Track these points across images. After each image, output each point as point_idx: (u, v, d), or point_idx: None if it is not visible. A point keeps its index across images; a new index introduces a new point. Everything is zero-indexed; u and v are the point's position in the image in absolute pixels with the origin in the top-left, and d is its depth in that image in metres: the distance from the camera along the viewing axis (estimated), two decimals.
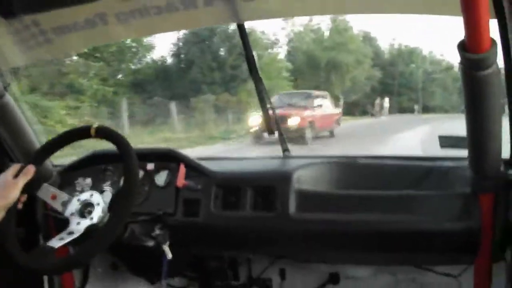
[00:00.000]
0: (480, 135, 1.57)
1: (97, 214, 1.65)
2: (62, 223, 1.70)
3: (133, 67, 24.49)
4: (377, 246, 1.90)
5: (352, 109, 36.59)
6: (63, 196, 1.71)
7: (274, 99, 13.88)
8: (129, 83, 23.05)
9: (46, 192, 1.73)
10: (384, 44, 47.55)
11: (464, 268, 1.99)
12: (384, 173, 2.04)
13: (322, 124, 15.91)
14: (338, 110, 19.02)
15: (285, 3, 1.82)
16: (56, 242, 1.60)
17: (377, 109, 33.76)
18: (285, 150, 2.40)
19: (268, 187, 1.96)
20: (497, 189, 1.71)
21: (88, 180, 2.08)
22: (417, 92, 40.06)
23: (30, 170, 1.69)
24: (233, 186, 2.01)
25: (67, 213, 1.68)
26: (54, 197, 1.71)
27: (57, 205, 1.70)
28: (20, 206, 1.69)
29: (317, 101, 16.80)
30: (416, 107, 38.50)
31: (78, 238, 1.63)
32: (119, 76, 22.88)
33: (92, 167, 2.18)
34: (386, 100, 34.31)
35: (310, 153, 2.46)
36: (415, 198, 1.84)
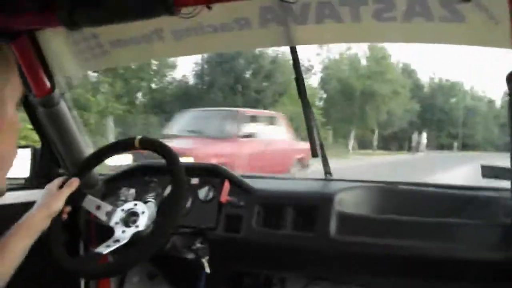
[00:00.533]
0: None
1: (142, 222, 1.69)
2: (104, 230, 1.75)
3: (153, 86, 24.26)
4: (415, 272, 1.89)
5: (388, 143, 36.56)
6: (107, 207, 1.75)
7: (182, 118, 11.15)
8: (148, 102, 22.83)
9: (90, 203, 1.77)
10: (424, 77, 47.61)
11: None
12: (424, 200, 2.04)
13: (256, 168, 8.87)
14: (301, 145, 10.50)
15: (338, 29, 1.85)
16: (103, 249, 1.64)
17: (414, 144, 32.75)
18: (327, 172, 2.42)
19: (309, 207, 1.98)
20: None
21: (132, 191, 2.14)
22: (457, 128, 38.61)
23: (74, 182, 1.74)
24: (275, 205, 2.03)
25: (111, 223, 1.72)
26: (98, 208, 1.76)
27: (101, 215, 1.75)
28: (65, 216, 1.73)
29: (250, 127, 10.08)
30: (455, 144, 36.97)
31: (123, 245, 1.67)
32: (138, 94, 22.65)
33: (136, 178, 2.23)
34: (424, 135, 32.99)
35: (353, 177, 2.48)
36: (454, 226, 1.84)
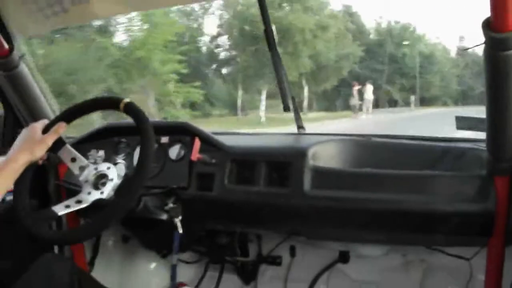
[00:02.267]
0: (500, 117, 1.56)
1: (108, 190, 1.64)
2: (74, 195, 1.69)
3: None
4: (389, 225, 1.89)
5: (325, 102, 30.63)
6: (83, 160, 1.69)
7: None
8: None
9: (67, 153, 1.71)
10: (369, 21, 43.30)
11: (476, 251, 1.98)
12: (399, 153, 2.03)
13: None
14: None
15: None
16: (60, 209, 1.60)
17: (354, 103, 25.21)
18: (300, 127, 2.39)
19: (283, 162, 1.95)
20: None
21: (101, 153, 2.09)
22: (411, 80, 33.92)
23: (61, 127, 1.67)
24: (247, 161, 2.01)
25: (82, 177, 1.67)
26: (73, 160, 1.70)
27: (74, 168, 1.69)
28: (40, 162, 1.67)
29: None
30: (412, 98, 32.43)
31: (86, 209, 1.63)
32: None
33: (105, 140, 2.18)
34: (369, 88, 24.68)
35: (325, 131, 2.45)
36: (429, 179, 1.83)
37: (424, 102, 34.21)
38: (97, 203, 1.62)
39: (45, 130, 1.65)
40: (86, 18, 2.23)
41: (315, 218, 1.94)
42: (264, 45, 2.20)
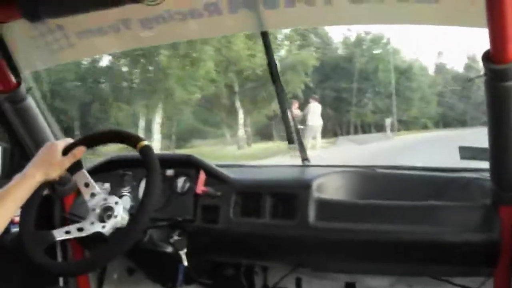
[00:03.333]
0: (502, 147, 1.57)
1: (109, 225, 1.63)
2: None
3: None
4: (395, 256, 1.89)
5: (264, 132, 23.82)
6: (95, 188, 1.70)
7: None
8: None
9: (83, 177, 1.71)
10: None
11: (483, 281, 1.97)
12: (403, 184, 2.03)
13: None
14: None
15: (310, 13, 1.82)
16: (60, 234, 1.61)
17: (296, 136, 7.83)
18: (305, 159, 2.40)
19: (288, 194, 1.96)
20: None
21: (107, 185, 2.10)
22: (387, 99, 27.14)
23: (81, 151, 1.68)
24: (252, 193, 2.01)
25: (90, 204, 1.66)
26: (87, 185, 1.70)
27: (86, 194, 1.69)
28: (55, 179, 1.67)
29: None
30: (388, 121, 25.23)
31: (89, 242, 1.63)
32: None
33: (110, 172, 2.19)
34: (314, 109, 17.08)
35: (330, 162, 2.45)
36: (434, 209, 1.83)
37: (402, 125, 29.18)
38: (97, 236, 1.62)
39: (65, 151, 1.66)
40: (92, 52, 2.26)
41: (320, 250, 1.93)
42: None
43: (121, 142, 1.74)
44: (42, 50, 2.04)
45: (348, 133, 27.90)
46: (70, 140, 1.72)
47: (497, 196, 1.72)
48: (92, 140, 1.75)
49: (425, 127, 31.84)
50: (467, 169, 2.08)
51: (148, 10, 1.83)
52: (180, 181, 2.09)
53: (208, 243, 2.05)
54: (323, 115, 17.71)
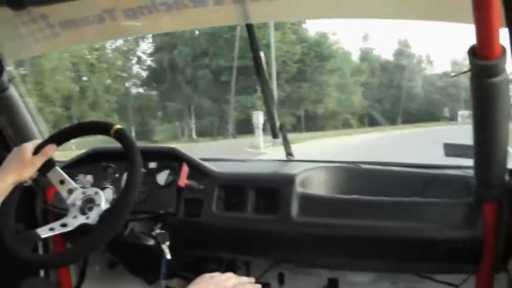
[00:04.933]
0: (487, 143, 1.56)
1: (94, 215, 1.62)
2: (61, 219, 1.67)
3: None
4: (378, 252, 1.89)
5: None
6: (72, 183, 1.68)
7: None
8: None
9: (57, 175, 1.69)
10: None
11: (465, 278, 1.97)
12: (387, 180, 2.03)
13: None
14: None
15: (293, 5, 1.82)
16: (44, 231, 1.59)
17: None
18: (289, 153, 2.39)
19: (271, 189, 1.95)
20: (501, 199, 1.70)
21: (89, 177, 2.08)
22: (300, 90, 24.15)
23: (51, 149, 1.66)
24: (235, 187, 2.00)
25: (69, 201, 1.65)
26: (62, 182, 1.69)
27: (63, 191, 1.68)
28: (28, 182, 1.67)
29: None
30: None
31: (72, 234, 1.62)
32: None
33: (92, 164, 2.17)
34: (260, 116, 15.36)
35: (314, 158, 2.45)
36: (418, 206, 1.83)
37: (314, 121, 25.08)
38: (82, 228, 1.61)
39: (36, 151, 1.64)
40: (77, 42, 2.24)
41: (303, 245, 1.93)
42: None
43: (93, 133, 1.73)
44: (25, 40, 2.02)
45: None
46: (37, 141, 1.71)
47: (480, 193, 1.72)
48: (61, 137, 1.74)
49: (346, 124, 26.01)
50: (451, 166, 2.09)
51: (133, 0, 1.82)
52: (163, 174, 2.07)
53: (190, 237, 2.03)
54: None
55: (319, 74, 26.02)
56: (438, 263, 1.88)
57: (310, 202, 1.90)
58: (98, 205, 1.64)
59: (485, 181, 1.68)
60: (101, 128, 1.70)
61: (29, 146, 1.65)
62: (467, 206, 1.76)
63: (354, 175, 2.07)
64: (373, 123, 26.70)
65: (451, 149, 2.15)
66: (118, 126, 1.65)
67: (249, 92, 21.46)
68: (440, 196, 1.87)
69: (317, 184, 2.00)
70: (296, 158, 2.40)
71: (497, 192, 1.68)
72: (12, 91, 2.02)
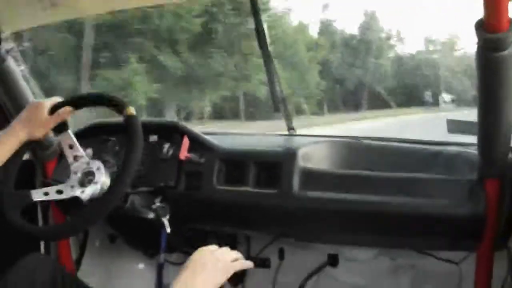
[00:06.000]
0: (491, 119, 1.54)
1: (88, 192, 1.63)
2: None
3: None
4: (379, 228, 1.88)
5: None
6: (79, 150, 1.69)
7: None
8: None
9: (68, 138, 1.71)
10: None
11: (466, 255, 1.97)
12: (389, 155, 2.02)
13: None
14: None
15: None
16: (38, 194, 1.62)
17: None
18: (290, 128, 2.38)
19: (272, 163, 1.94)
20: (503, 175, 1.69)
21: (89, 151, 2.07)
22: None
23: (68, 112, 1.67)
24: (237, 161, 1.99)
25: (73, 167, 1.66)
26: (71, 147, 1.70)
27: (69, 156, 1.69)
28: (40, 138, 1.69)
29: None
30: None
31: (68, 207, 1.61)
32: None
33: (93, 138, 2.16)
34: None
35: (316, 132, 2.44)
36: (420, 181, 1.82)
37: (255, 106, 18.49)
38: (75, 201, 1.61)
39: (52, 111, 1.65)
40: (76, 13, 2.21)
41: (304, 219, 1.92)
42: None
43: (108, 106, 1.71)
44: (23, 10, 1.99)
45: None
46: (57, 99, 1.70)
47: (483, 170, 1.71)
48: (80, 101, 1.74)
49: (299, 111, 18.90)
50: (455, 143, 2.07)
51: None
52: (164, 147, 2.06)
53: (190, 210, 2.03)
54: None
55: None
56: (439, 239, 1.88)
57: (311, 176, 1.89)
58: (96, 183, 1.64)
59: (489, 158, 1.67)
60: (117, 105, 1.68)
61: (47, 104, 1.65)
62: (469, 183, 1.75)
63: (356, 150, 2.06)
64: (333, 109, 21.59)
65: (454, 126, 2.13)
66: (133, 111, 1.63)
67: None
68: (443, 173, 1.86)
69: (319, 158, 1.99)
70: (297, 133, 2.39)
71: (500, 168, 1.67)
72: (10, 62, 1.99)
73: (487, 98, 1.50)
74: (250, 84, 17.16)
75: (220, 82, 16.78)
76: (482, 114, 1.55)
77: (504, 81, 1.41)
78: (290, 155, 1.92)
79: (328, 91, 21.58)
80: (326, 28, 24.16)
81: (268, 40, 2.18)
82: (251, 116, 17.41)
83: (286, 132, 2.41)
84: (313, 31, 23.96)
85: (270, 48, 2.22)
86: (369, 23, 24.00)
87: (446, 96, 20.84)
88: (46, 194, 1.61)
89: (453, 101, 20.73)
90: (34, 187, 2.14)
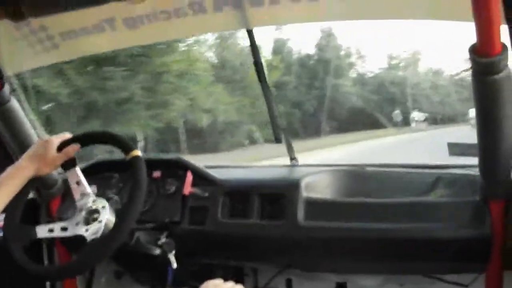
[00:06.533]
0: (491, 141, 1.56)
1: (92, 230, 1.62)
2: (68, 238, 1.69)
3: None
4: (386, 254, 1.88)
5: None
6: (87, 188, 1.70)
7: None
8: None
9: (75, 175, 1.71)
10: None
11: (475, 277, 1.96)
12: (392, 181, 2.02)
13: None
14: None
15: (294, 9, 1.82)
16: (43, 231, 1.62)
17: None
18: (293, 158, 2.39)
19: (276, 194, 1.95)
20: (507, 196, 1.69)
21: (93, 188, 2.07)
22: None
23: (75, 148, 1.68)
24: (240, 194, 2.00)
25: (79, 204, 1.67)
26: (78, 183, 1.70)
27: (76, 193, 1.69)
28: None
29: None
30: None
31: (74, 245, 1.61)
32: None
33: (97, 175, 2.17)
34: None
35: (318, 162, 2.45)
36: (424, 206, 1.82)
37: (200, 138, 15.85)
38: (79, 238, 1.61)
39: (60, 148, 1.66)
40: (77, 53, 2.24)
41: (310, 249, 1.92)
42: None
43: (114, 145, 1.73)
44: (26, 52, 2.03)
45: None
46: (66, 136, 1.72)
47: (486, 191, 1.72)
48: (87, 139, 1.75)
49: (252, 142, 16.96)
50: (456, 165, 2.08)
51: (133, 9, 1.83)
52: (168, 183, 2.07)
53: (196, 245, 2.03)
54: None
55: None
56: (447, 263, 1.87)
57: (315, 206, 1.90)
58: (100, 221, 1.64)
59: (491, 179, 1.68)
60: (123, 145, 1.70)
61: (56, 141, 1.67)
62: (473, 204, 1.75)
63: (359, 178, 2.07)
64: (292, 136, 14.27)
65: (456, 148, 2.15)
66: (138, 153, 1.66)
67: None
68: (446, 196, 1.86)
69: (322, 188, 2.00)
70: (300, 163, 2.40)
71: (503, 189, 1.68)
72: (14, 103, 2.02)
73: (485, 121, 1.51)
74: (169, 112, 14.15)
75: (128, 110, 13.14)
76: (481, 136, 1.57)
77: (501, 103, 1.43)
78: (293, 186, 1.93)
79: (286, 116, 17.82)
80: (280, 48, 21.55)
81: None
82: (195, 148, 14.51)
83: (288, 163, 2.41)
84: (267, 52, 21.02)
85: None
86: (326, 41, 21.64)
87: (417, 115, 19.74)
88: (51, 230, 1.62)
89: (425, 119, 19.79)
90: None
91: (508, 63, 1.38)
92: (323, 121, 19.60)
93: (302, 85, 20.68)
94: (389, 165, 2.21)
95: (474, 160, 1.71)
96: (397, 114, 19.81)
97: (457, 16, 1.66)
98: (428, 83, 21.91)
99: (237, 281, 2.25)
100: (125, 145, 1.69)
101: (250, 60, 2.10)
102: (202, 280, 2.27)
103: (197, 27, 2.00)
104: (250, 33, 2.08)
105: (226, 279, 2.20)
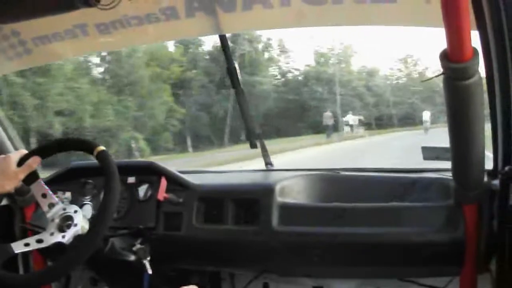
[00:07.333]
0: (463, 146, 1.56)
1: (69, 234, 1.62)
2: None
3: None
4: (361, 258, 1.88)
5: None
6: (53, 198, 1.68)
7: None
8: None
9: (39, 188, 1.69)
10: None
11: (449, 280, 1.97)
12: (367, 186, 2.03)
13: None
14: None
15: (267, 15, 1.82)
16: (18, 246, 1.59)
17: None
18: (268, 163, 2.39)
19: (250, 199, 1.94)
20: (480, 200, 1.71)
21: (68, 194, 2.06)
22: None
23: (36, 161, 1.66)
24: (215, 199, 2.00)
25: (49, 215, 1.65)
26: (44, 196, 1.68)
27: (43, 205, 1.67)
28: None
29: None
30: None
31: (50, 252, 1.60)
32: None
33: (71, 181, 2.15)
34: None
35: (293, 166, 2.45)
36: (398, 210, 1.83)
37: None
38: (58, 246, 1.59)
39: (20, 163, 1.64)
40: (50, 59, 2.23)
41: (285, 254, 1.92)
42: None
43: (77, 149, 1.72)
44: None
45: None
46: (23, 152, 1.70)
47: (460, 195, 1.73)
48: (46, 150, 1.74)
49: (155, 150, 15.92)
50: (430, 169, 2.09)
51: (104, 15, 1.81)
52: (142, 189, 2.06)
53: (171, 251, 2.02)
54: None
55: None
56: (422, 266, 1.88)
57: (290, 211, 1.90)
58: (76, 225, 1.63)
59: (464, 183, 1.69)
60: (85, 147, 1.69)
61: (14, 157, 1.65)
62: (447, 208, 1.77)
63: (334, 182, 2.07)
64: (197, 144, 16.90)
65: (429, 152, 2.16)
66: (102, 148, 1.65)
67: None
68: (420, 200, 1.87)
69: (296, 192, 2.00)
70: (274, 168, 2.40)
71: (476, 193, 1.69)
72: None
73: (457, 125, 1.52)
74: None
75: None
76: (454, 141, 1.58)
77: (472, 107, 1.44)
78: (267, 190, 1.93)
79: (191, 122, 16.74)
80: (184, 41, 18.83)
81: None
82: None
83: (263, 167, 2.41)
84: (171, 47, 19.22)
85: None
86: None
87: (350, 118, 17.94)
88: (26, 245, 1.59)
89: (359, 121, 17.92)
90: (13, 232, 2.14)
91: (478, 68, 1.39)
92: (234, 128, 17.05)
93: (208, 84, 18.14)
94: (364, 169, 2.22)
95: (449, 164, 1.73)
96: (327, 116, 17.86)
97: (429, 22, 1.67)
98: (362, 81, 20.82)
99: (214, 286, 2.26)
100: (87, 145, 1.69)
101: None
102: (178, 286, 2.26)
103: (169, 33, 2.00)
104: (222, 38, 2.08)
105: (203, 284, 2.20)
